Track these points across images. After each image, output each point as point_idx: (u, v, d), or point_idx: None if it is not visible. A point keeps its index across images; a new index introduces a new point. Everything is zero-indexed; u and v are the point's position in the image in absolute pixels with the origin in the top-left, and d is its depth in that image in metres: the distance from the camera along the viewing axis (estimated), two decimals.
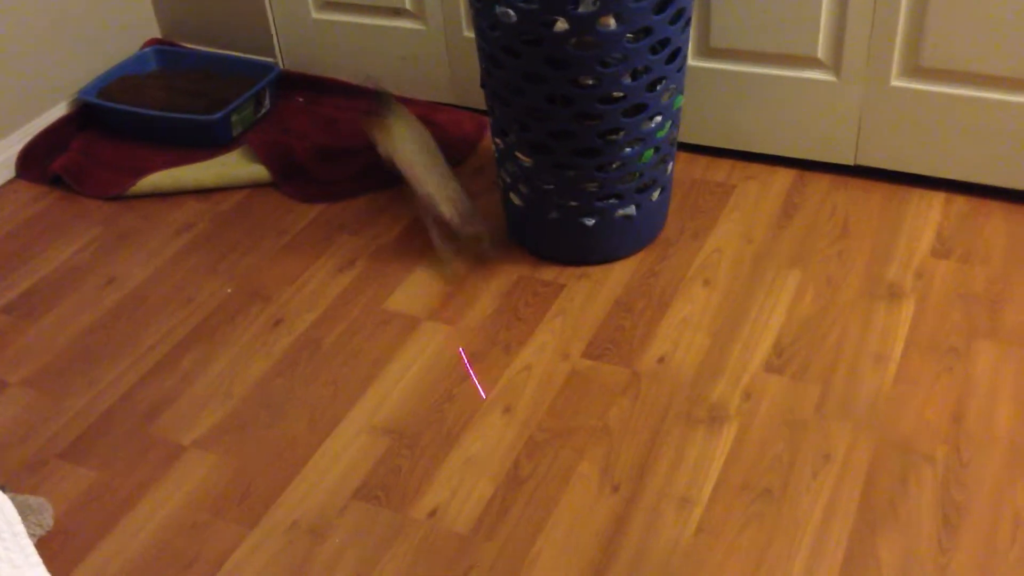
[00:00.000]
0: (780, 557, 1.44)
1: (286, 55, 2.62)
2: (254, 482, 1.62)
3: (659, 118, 1.85)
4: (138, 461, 1.67)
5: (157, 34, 2.77)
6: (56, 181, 2.37)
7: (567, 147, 1.83)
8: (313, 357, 1.85)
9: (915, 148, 2.07)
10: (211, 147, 2.40)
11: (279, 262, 2.08)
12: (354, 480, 1.61)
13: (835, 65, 2.05)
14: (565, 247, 1.99)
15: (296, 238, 2.15)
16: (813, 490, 1.52)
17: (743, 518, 1.49)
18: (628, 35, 1.71)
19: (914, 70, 2.00)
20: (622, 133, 1.81)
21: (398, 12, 2.42)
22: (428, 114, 2.42)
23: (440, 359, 1.82)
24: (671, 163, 1.99)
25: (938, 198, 2.07)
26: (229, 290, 2.02)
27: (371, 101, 2.11)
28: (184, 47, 2.73)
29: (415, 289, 1.98)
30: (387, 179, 2.28)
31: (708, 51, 2.15)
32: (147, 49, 2.68)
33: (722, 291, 1.90)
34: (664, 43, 1.76)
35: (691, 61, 2.15)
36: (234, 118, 2.41)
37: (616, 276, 1.96)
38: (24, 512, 1.54)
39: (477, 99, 2.40)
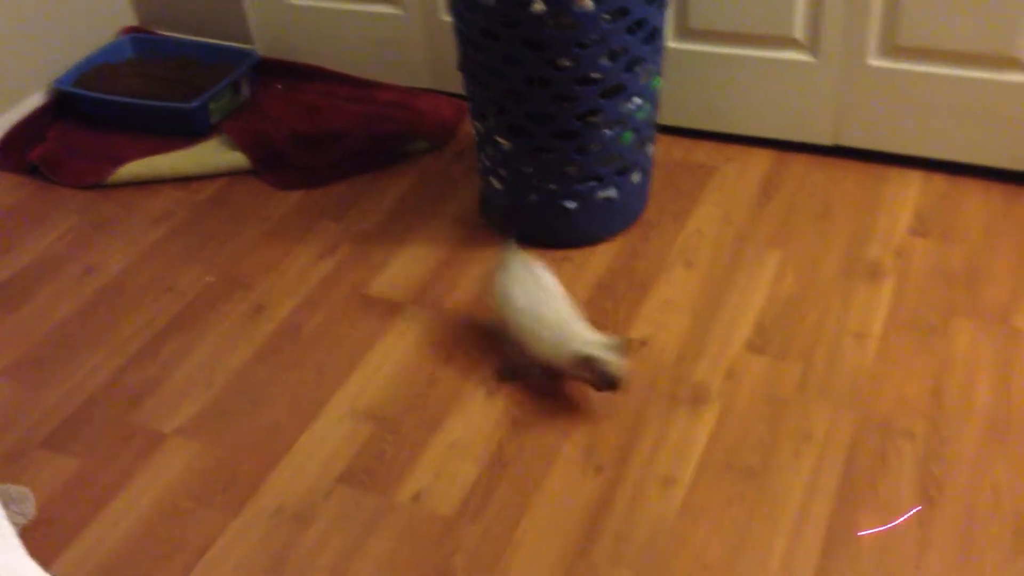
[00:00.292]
0: (762, 535, 1.45)
1: (264, 42, 2.60)
2: (237, 469, 1.62)
3: (638, 99, 1.85)
4: (120, 449, 1.67)
5: (133, 22, 2.75)
6: (34, 171, 2.35)
7: (546, 129, 1.83)
8: (295, 344, 1.84)
9: (893, 127, 2.08)
10: (189, 135, 2.39)
11: (260, 249, 2.08)
12: (338, 465, 1.61)
13: (812, 45, 2.06)
14: (546, 230, 1.99)
15: (277, 225, 2.14)
16: (794, 468, 1.53)
17: (726, 497, 1.50)
18: (605, 15, 1.71)
19: (891, 49, 2.00)
20: (601, 115, 1.81)
21: None
22: (407, 100, 2.41)
23: (422, 343, 1.81)
24: (651, 145, 1.99)
25: (916, 177, 2.08)
26: (210, 278, 2.01)
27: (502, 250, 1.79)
28: (161, 35, 2.71)
29: (397, 274, 1.98)
30: (367, 164, 2.28)
31: (686, 32, 2.15)
32: (123, 37, 2.66)
33: (703, 272, 1.91)
34: (641, 23, 1.76)
35: (670, 43, 2.15)
36: (212, 106, 2.40)
37: (597, 259, 1.97)
38: (6, 501, 1.53)
39: (456, 83, 2.39)
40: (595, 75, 1.77)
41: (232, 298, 1.96)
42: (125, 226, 2.18)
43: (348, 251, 2.05)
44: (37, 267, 2.08)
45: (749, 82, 2.15)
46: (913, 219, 1.98)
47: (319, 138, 2.33)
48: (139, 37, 2.67)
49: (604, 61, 1.76)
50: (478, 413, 1.67)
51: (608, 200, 1.94)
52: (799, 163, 2.16)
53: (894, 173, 2.10)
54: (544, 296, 1.69)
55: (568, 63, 1.74)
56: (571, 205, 1.93)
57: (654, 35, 1.81)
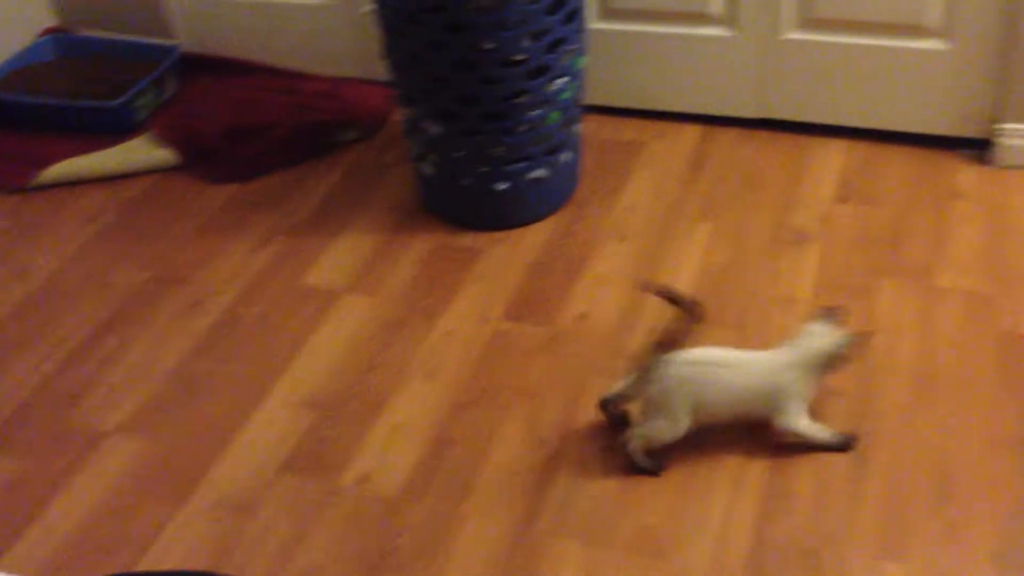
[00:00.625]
0: (701, 495, 1.48)
1: (188, 37, 2.58)
2: (179, 463, 1.61)
3: (562, 80, 1.87)
4: (60, 449, 1.65)
5: (54, 23, 2.70)
6: None
7: (474, 113, 1.85)
8: (233, 336, 1.84)
9: (814, 98, 2.13)
10: (116, 133, 2.36)
11: (193, 244, 2.06)
12: (280, 454, 1.61)
13: (730, 20, 2.10)
14: (480, 213, 2.01)
15: (209, 220, 2.13)
16: (733, 429, 1.57)
17: (666, 462, 1.53)
18: None
19: (807, 21, 2.05)
20: (526, 96, 1.83)
21: None
22: (335, 89, 2.41)
23: (361, 330, 1.82)
24: (578, 124, 2.02)
25: (839, 145, 2.14)
26: (145, 275, 1.99)
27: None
28: (83, 35, 2.67)
29: (333, 263, 1.98)
30: (298, 156, 2.28)
31: (608, 12, 2.18)
32: (44, 38, 2.62)
33: (636, 247, 1.94)
34: (560, 4, 1.79)
35: (593, 23, 2.18)
36: (138, 103, 2.37)
37: (532, 239, 1.99)
38: None
39: (383, 71, 2.39)
40: (518, 57, 1.79)
41: (168, 294, 1.94)
42: (55, 227, 2.15)
43: (283, 242, 2.05)
44: None
45: (673, 59, 2.18)
46: (837, 186, 2.04)
47: (248, 131, 2.32)
48: (61, 37, 2.63)
49: (527, 43, 1.78)
50: (419, 396, 1.69)
51: (539, 180, 1.97)
52: (726, 137, 2.21)
53: (817, 143, 2.15)
54: (719, 355, 1.52)
55: (491, 46, 1.76)
56: (503, 187, 1.94)
57: (574, 15, 1.84)
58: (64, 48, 2.61)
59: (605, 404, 1.59)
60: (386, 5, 1.81)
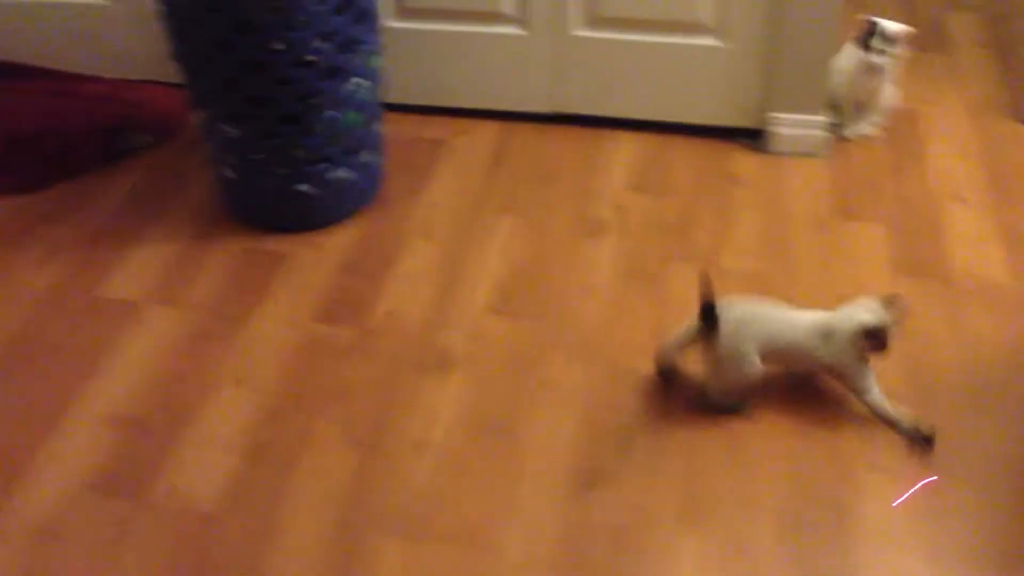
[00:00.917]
0: (510, 482, 1.53)
1: None
2: None
3: (357, 80, 1.88)
4: None
5: None
6: None
7: (270, 115, 1.83)
8: (25, 358, 1.75)
9: (603, 93, 2.23)
10: None
11: None
12: (83, 474, 1.55)
13: (522, 19, 2.17)
14: (284, 216, 1.99)
15: None
16: (538, 417, 1.63)
17: (475, 452, 1.58)
18: None
19: (593, 20, 2.14)
20: (321, 96, 1.83)
21: None
22: (120, 92, 2.31)
23: (164, 341, 1.78)
24: (378, 124, 2.03)
25: (629, 138, 2.24)
26: None
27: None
28: None
29: (131, 273, 1.92)
30: (86, 162, 2.18)
31: (404, 12, 2.20)
32: None
33: (442, 243, 1.98)
34: (348, 4, 1.79)
35: (390, 22, 2.19)
36: None
37: (339, 239, 1.99)
38: None
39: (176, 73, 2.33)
40: (310, 58, 1.78)
41: None
42: None
43: (75, 254, 1.96)
44: None
45: (469, 57, 2.23)
46: (629, 176, 2.14)
47: (27, 137, 2.19)
48: None
49: (317, 43, 1.77)
50: (229, 404, 1.66)
51: (342, 181, 1.97)
52: (524, 132, 2.27)
53: (608, 136, 2.25)
54: (770, 310, 1.59)
55: (281, 46, 1.75)
56: (305, 188, 1.94)
57: (365, 16, 1.85)
58: None
59: (661, 356, 1.65)
60: (169, 4, 1.76)
